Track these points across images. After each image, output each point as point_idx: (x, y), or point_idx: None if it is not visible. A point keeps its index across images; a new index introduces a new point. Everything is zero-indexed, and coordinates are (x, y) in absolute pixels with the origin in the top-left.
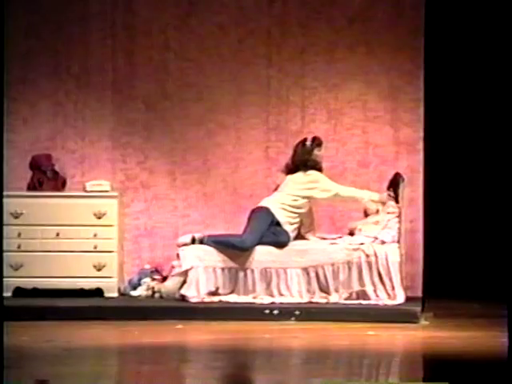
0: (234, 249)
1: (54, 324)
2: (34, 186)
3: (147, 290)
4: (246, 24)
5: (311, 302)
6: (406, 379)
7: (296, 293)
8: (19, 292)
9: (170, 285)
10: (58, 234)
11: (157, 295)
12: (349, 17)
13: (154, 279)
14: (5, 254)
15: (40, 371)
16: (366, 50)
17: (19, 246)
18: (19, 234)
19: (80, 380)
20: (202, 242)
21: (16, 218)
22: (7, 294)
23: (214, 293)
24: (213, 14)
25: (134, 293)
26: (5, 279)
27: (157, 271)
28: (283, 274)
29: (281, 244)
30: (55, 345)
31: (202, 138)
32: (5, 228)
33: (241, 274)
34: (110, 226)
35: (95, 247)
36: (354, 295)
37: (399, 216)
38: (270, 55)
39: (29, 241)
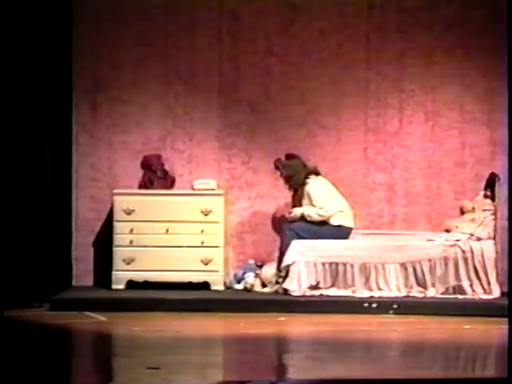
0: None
1: (163, 315)
2: (145, 184)
3: (251, 284)
4: (346, 29)
5: (408, 296)
6: (502, 372)
7: (394, 287)
8: (131, 284)
9: (267, 273)
10: (167, 230)
11: (257, 289)
12: (446, 21)
13: (257, 275)
14: (118, 248)
15: (150, 359)
16: (463, 53)
17: (131, 242)
18: (131, 230)
19: (188, 368)
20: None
21: (128, 214)
22: (120, 286)
23: (315, 287)
24: (314, 21)
25: (238, 286)
26: (118, 272)
27: (260, 266)
28: (381, 269)
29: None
30: (165, 335)
31: (303, 138)
32: (118, 224)
33: (341, 269)
34: (216, 222)
35: (202, 242)
36: (451, 290)
37: (495, 214)
38: (369, 59)
39: (140, 236)
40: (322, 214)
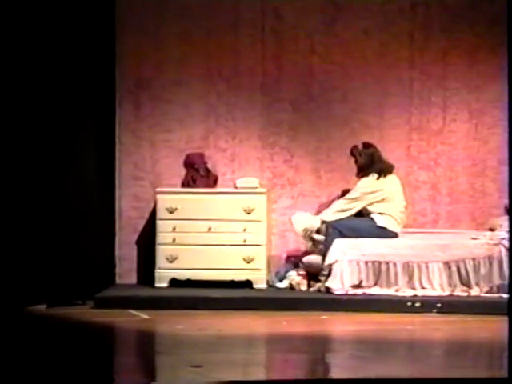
0: None
1: (206, 313)
2: (188, 182)
3: (297, 282)
4: (390, 28)
5: (452, 295)
6: None
7: (438, 286)
8: (174, 283)
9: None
10: (209, 229)
11: (303, 287)
12: (490, 19)
13: (299, 274)
14: (161, 247)
15: (193, 358)
16: (508, 51)
17: (174, 240)
18: (174, 228)
19: (231, 366)
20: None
21: (171, 213)
22: (163, 284)
23: (358, 285)
24: (357, 20)
25: (280, 285)
26: (161, 271)
27: (302, 264)
28: (425, 268)
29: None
30: (208, 333)
31: (346, 137)
32: (161, 222)
33: (384, 268)
34: (259, 221)
35: (244, 241)
36: (495, 289)
37: None
38: (413, 58)
39: (183, 234)
40: (337, 210)
